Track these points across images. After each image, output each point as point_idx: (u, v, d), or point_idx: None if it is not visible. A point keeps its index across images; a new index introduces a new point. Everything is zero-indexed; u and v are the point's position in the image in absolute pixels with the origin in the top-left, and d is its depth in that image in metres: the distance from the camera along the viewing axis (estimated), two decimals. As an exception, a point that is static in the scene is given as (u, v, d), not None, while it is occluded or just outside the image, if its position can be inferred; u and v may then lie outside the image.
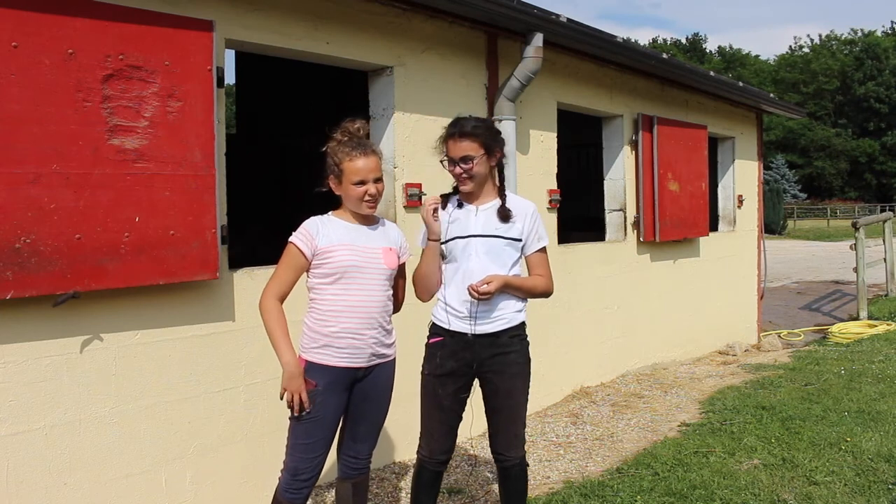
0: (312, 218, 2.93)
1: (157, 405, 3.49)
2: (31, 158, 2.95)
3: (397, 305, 3.11)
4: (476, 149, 2.95)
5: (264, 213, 8.65)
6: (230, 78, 6.46)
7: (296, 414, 2.83)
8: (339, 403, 2.91)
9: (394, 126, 4.59)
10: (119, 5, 3.20)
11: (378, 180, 2.89)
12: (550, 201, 5.85)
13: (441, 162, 3.05)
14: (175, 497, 3.57)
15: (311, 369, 2.84)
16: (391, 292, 3.00)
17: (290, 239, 2.88)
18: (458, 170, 2.96)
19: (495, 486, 4.20)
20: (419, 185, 4.65)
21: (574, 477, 4.36)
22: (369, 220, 2.99)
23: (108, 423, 3.33)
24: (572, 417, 5.59)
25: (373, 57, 4.47)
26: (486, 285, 2.86)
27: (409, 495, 4.12)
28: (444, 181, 3.22)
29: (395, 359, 3.06)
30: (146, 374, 3.45)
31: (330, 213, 2.98)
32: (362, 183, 2.85)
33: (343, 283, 2.85)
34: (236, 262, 3.88)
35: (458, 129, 2.97)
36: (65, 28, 3.03)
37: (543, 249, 3.11)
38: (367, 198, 2.87)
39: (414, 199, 4.63)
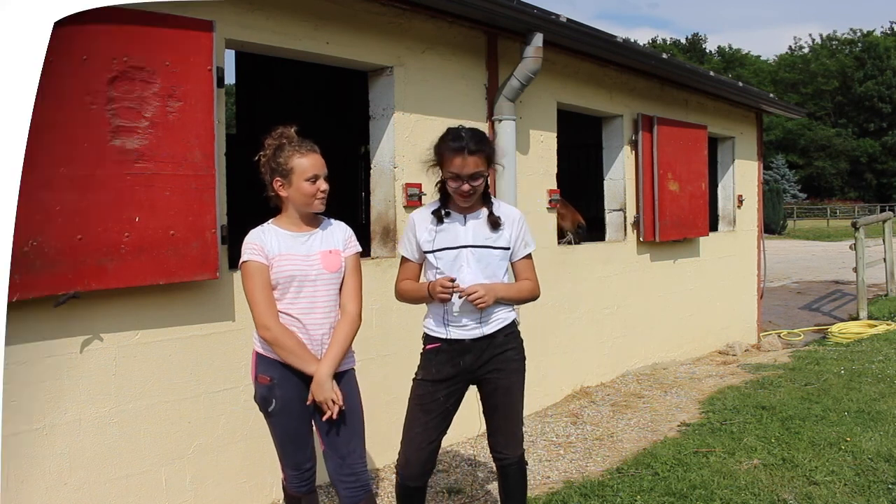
0: (251, 231, 2.88)
1: (157, 405, 3.50)
2: (42, 162, 2.93)
3: (348, 316, 2.87)
4: (483, 164, 2.89)
5: (264, 213, 8.62)
6: (230, 78, 6.46)
7: (333, 417, 2.77)
8: (299, 395, 2.82)
9: (394, 126, 4.59)
10: (123, 8, 3.19)
11: (325, 178, 2.83)
12: (550, 201, 5.86)
13: (443, 180, 2.95)
14: (175, 497, 3.58)
15: (261, 362, 2.84)
16: (337, 299, 2.88)
17: (244, 259, 2.80)
18: (466, 187, 2.87)
19: (495, 486, 4.20)
20: (419, 186, 4.65)
21: (574, 477, 4.37)
22: (308, 226, 2.89)
23: (108, 423, 3.33)
24: (572, 417, 5.59)
25: (373, 57, 4.48)
26: (478, 297, 2.82)
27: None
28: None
29: (352, 370, 2.95)
30: (146, 374, 3.45)
31: (269, 221, 2.91)
32: (315, 178, 2.80)
33: (285, 292, 2.80)
34: (237, 262, 3.87)
35: (465, 146, 2.84)
36: (81, 35, 3.01)
37: (529, 255, 3.09)
38: (319, 194, 2.80)
39: (414, 199, 4.63)
